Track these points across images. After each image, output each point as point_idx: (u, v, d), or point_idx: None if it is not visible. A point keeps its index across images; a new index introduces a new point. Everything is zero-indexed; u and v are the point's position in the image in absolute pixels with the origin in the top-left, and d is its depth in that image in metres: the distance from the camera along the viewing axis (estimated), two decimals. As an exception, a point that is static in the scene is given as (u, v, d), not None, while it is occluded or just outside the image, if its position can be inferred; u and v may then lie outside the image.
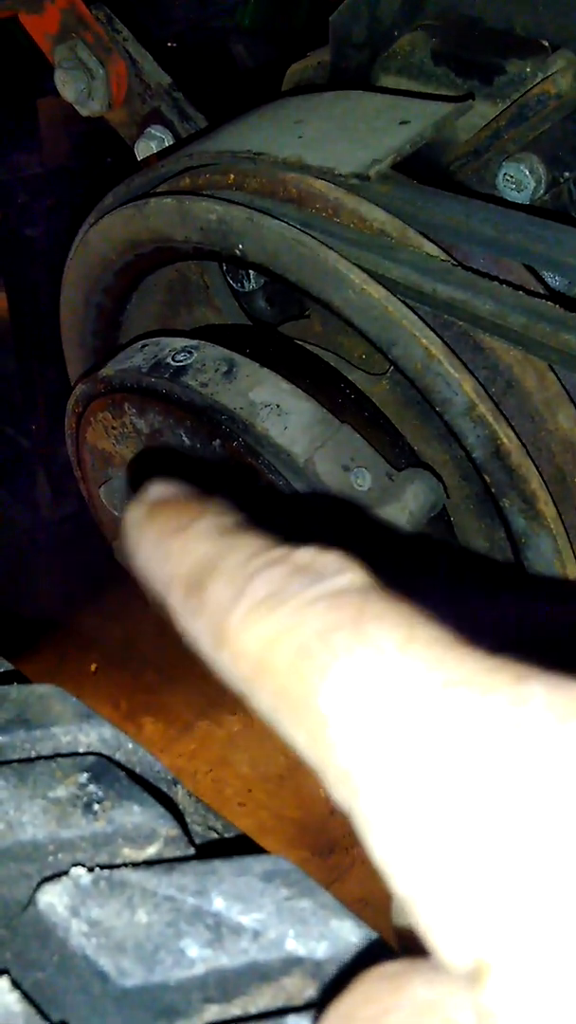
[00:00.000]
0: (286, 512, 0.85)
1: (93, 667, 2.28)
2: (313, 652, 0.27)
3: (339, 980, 0.33)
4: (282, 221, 0.87)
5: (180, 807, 0.45)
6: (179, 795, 0.46)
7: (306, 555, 0.30)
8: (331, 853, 1.93)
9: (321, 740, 0.27)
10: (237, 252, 0.91)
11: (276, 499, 0.87)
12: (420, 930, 0.25)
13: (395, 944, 0.34)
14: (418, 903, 0.25)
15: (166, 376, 0.94)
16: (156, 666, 2.24)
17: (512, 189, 0.97)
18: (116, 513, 1.06)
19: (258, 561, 0.31)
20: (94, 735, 0.46)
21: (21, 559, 2.46)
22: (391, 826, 0.25)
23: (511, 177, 0.96)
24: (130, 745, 0.46)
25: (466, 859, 0.24)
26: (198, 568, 0.32)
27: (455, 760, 0.25)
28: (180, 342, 0.99)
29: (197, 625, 0.31)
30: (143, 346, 1.01)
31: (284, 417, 0.90)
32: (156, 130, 1.26)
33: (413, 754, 0.25)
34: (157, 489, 0.36)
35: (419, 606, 0.28)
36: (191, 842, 0.41)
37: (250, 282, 1.06)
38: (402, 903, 0.25)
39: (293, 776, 2.06)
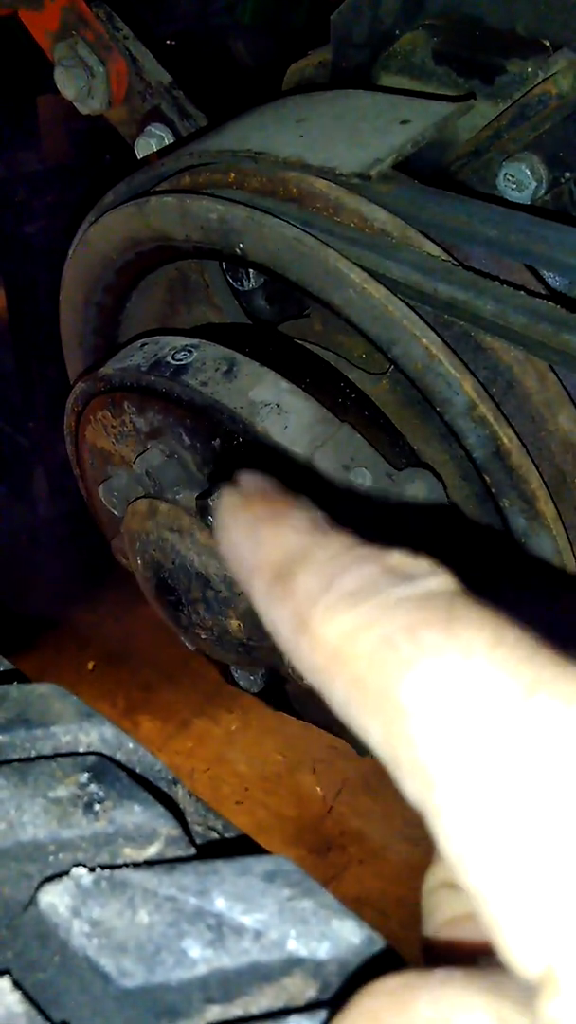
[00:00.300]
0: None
1: (90, 665, 2.28)
2: (398, 645, 0.27)
3: (342, 992, 0.33)
4: (283, 220, 0.87)
5: (181, 807, 0.45)
6: (180, 795, 0.46)
7: (397, 557, 0.31)
8: (328, 852, 1.93)
9: (399, 732, 0.27)
10: (238, 251, 0.91)
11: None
12: (489, 929, 0.25)
13: (421, 955, 0.33)
14: (492, 902, 0.25)
15: (166, 375, 0.94)
16: (153, 664, 2.24)
17: (513, 189, 0.97)
18: (115, 512, 1.05)
19: (349, 557, 0.31)
20: (95, 734, 0.46)
21: (19, 557, 2.46)
22: (470, 824, 0.25)
23: (512, 177, 0.96)
24: (130, 744, 0.46)
25: (548, 865, 0.24)
26: (289, 557, 0.32)
27: (541, 765, 0.25)
28: (180, 341, 0.98)
29: (280, 612, 0.31)
30: (143, 345, 1.01)
31: (284, 416, 0.90)
32: (156, 128, 1.26)
33: (499, 756, 0.25)
34: (251, 479, 0.36)
35: (505, 614, 0.28)
36: (192, 842, 0.41)
37: (250, 281, 1.06)
38: (473, 899, 0.25)
39: (290, 775, 2.06)
